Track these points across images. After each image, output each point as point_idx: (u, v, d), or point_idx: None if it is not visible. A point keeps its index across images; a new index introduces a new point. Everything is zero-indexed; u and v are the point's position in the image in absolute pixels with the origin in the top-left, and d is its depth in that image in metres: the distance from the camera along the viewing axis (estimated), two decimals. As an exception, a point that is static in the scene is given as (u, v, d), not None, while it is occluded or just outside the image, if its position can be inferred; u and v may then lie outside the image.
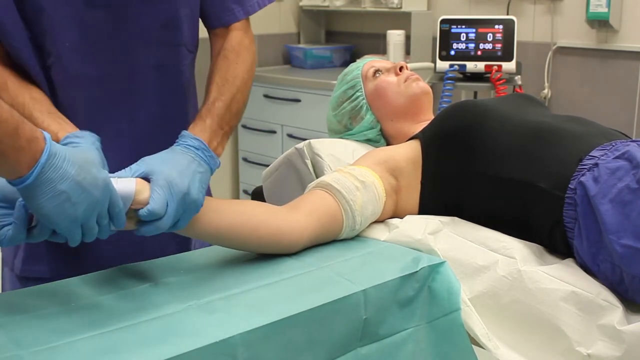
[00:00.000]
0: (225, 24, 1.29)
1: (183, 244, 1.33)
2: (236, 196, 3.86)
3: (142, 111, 1.26)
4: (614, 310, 1.02)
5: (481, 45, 2.88)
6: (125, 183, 0.97)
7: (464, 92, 3.14)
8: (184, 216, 1.01)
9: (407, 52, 3.45)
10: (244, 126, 3.66)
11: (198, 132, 1.14)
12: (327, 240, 1.21)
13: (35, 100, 1.12)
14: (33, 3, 1.13)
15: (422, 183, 1.31)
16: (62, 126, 1.09)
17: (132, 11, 1.19)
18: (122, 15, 1.19)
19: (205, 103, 1.21)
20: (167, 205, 0.98)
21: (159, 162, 1.02)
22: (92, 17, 1.16)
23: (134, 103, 1.25)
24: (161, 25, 1.23)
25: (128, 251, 1.20)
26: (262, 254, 1.15)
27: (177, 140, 1.10)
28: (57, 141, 1.04)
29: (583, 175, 1.11)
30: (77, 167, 0.85)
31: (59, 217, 0.85)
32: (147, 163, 1.02)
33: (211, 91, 1.22)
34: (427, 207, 1.31)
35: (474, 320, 1.10)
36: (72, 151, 0.87)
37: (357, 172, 1.26)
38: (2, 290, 1.39)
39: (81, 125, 1.11)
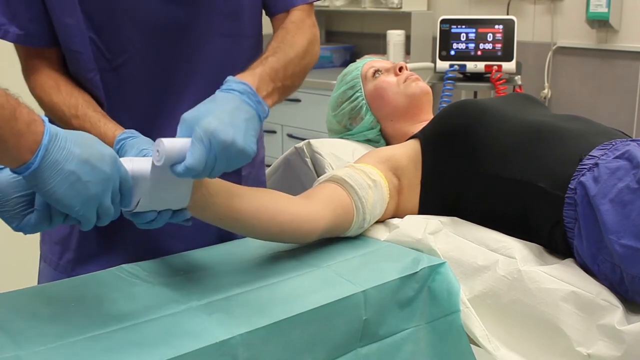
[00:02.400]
0: (283, 9, 1.27)
1: (227, 236, 1.28)
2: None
3: (200, 101, 1.25)
4: (614, 310, 1.02)
5: (481, 45, 2.88)
6: (141, 162, 0.93)
7: (464, 92, 3.14)
8: (230, 166, 0.95)
9: (407, 52, 3.45)
10: (244, 126, 3.66)
11: (244, 77, 1.07)
12: (335, 234, 1.21)
13: (89, 103, 1.14)
14: (107, 4, 1.13)
15: (422, 183, 1.31)
16: (117, 126, 1.10)
17: (201, 2, 1.19)
18: (192, 8, 1.19)
19: (257, 60, 1.15)
20: (206, 160, 0.91)
21: (200, 115, 0.94)
22: (165, 12, 1.17)
23: (195, 95, 1.22)
24: (225, 16, 1.22)
25: (181, 244, 1.21)
26: (261, 255, 1.16)
27: (221, 87, 1.03)
28: (114, 139, 1.05)
29: (583, 175, 1.11)
30: (81, 145, 0.82)
31: (72, 199, 0.82)
32: (188, 120, 0.95)
33: (265, 51, 1.17)
34: (427, 206, 1.31)
35: (474, 322, 1.10)
36: (70, 131, 0.84)
37: (367, 170, 1.26)
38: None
39: (142, 120, 1.15)
